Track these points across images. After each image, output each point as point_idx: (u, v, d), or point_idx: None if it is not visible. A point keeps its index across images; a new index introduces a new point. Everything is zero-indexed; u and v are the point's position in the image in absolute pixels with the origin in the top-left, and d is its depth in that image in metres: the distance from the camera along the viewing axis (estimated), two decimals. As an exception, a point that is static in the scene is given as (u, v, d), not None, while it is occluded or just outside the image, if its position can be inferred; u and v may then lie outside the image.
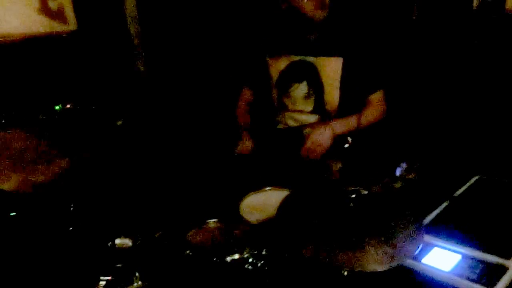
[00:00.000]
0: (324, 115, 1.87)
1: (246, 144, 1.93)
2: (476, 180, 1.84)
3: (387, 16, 2.22)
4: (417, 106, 2.20)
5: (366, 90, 1.85)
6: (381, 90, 1.86)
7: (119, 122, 1.34)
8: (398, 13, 2.21)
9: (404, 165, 1.17)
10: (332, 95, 1.83)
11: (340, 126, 1.78)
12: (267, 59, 1.93)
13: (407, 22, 2.19)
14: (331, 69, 1.81)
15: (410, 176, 1.18)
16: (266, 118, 2.04)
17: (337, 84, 1.81)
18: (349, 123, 1.80)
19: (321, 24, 1.76)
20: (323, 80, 1.82)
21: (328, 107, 1.85)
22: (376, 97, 1.86)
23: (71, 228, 1.41)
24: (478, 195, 1.75)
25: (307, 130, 1.85)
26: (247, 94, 2.10)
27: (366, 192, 1.20)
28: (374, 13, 2.20)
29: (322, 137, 1.73)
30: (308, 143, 1.73)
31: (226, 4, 2.51)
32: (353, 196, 1.22)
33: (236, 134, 1.98)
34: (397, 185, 1.17)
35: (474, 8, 1.99)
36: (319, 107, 1.86)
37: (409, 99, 2.18)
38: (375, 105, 1.86)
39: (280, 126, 1.98)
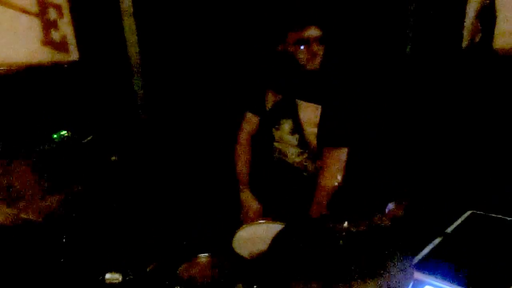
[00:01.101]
0: (308, 150, 1.93)
1: (253, 208, 1.95)
2: (469, 215, 1.86)
3: (376, 72, 2.29)
4: (410, 142, 2.23)
5: (332, 141, 1.87)
6: (344, 148, 1.87)
7: (114, 158, 1.36)
8: (388, 63, 2.29)
9: (392, 203, 1.19)
10: (311, 136, 1.90)
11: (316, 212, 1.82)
12: (267, 90, 2.00)
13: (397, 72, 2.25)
14: (310, 113, 1.88)
15: (398, 214, 1.19)
16: (263, 146, 2.08)
17: (314, 129, 1.88)
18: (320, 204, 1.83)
19: (311, 73, 1.83)
20: (302, 122, 1.89)
21: (310, 145, 1.91)
22: (336, 156, 1.86)
23: (62, 260, 1.41)
24: (470, 231, 1.76)
25: None
26: (250, 121, 2.12)
27: (355, 230, 1.21)
28: (361, 70, 2.26)
29: None
30: None
31: (228, 35, 2.58)
32: (343, 233, 1.23)
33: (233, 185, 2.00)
34: (385, 222, 1.19)
35: (463, 48, 2.06)
36: (303, 143, 1.93)
37: (401, 136, 2.22)
38: (332, 168, 1.86)
39: (276, 155, 2.03)
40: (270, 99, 1.98)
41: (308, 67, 1.81)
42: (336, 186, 1.84)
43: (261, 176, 2.04)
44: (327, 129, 1.85)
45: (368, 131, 2.07)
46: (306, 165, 1.97)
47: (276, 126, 1.98)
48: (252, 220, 1.75)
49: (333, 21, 1.91)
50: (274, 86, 1.94)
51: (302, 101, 1.89)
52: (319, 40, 1.79)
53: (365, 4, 2.25)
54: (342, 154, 1.86)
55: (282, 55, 1.82)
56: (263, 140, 2.06)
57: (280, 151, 2.01)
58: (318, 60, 1.82)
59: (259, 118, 2.07)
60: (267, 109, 1.99)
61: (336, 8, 2.20)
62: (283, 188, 1.95)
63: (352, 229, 1.23)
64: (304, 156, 1.96)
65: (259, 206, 1.95)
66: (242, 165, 2.07)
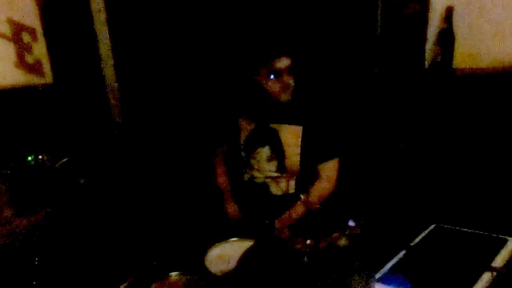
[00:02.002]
0: (286, 173, 1.97)
1: (233, 209, 2.04)
2: (433, 228, 1.93)
3: (346, 89, 2.40)
4: (374, 159, 2.32)
5: (319, 158, 1.96)
6: (334, 159, 1.97)
7: (82, 180, 1.39)
8: (357, 86, 2.39)
9: (351, 222, 1.25)
10: (293, 159, 1.94)
11: (290, 219, 1.89)
12: (240, 119, 2.04)
13: (367, 92, 2.35)
14: (291, 136, 1.93)
15: (355, 232, 1.26)
16: (234, 170, 2.12)
17: (297, 150, 1.92)
18: (297, 211, 1.91)
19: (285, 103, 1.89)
20: (284, 146, 1.93)
21: (289, 169, 1.95)
22: (327, 169, 1.96)
23: (34, 282, 1.42)
24: (434, 243, 1.83)
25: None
26: (222, 149, 2.19)
27: (319, 247, 1.27)
28: (334, 88, 2.37)
29: None
30: None
31: (203, 62, 2.63)
32: (308, 250, 1.29)
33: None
34: (342, 241, 1.25)
35: (426, 68, 2.17)
36: (281, 169, 1.96)
37: (365, 152, 2.31)
38: (324, 179, 1.97)
39: (246, 176, 2.06)
40: (244, 128, 2.01)
41: (281, 98, 1.86)
42: (328, 193, 1.94)
43: (234, 193, 2.08)
44: (313, 147, 1.91)
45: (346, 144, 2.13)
46: (278, 184, 2.01)
47: (252, 156, 2.00)
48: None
49: (303, 49, 1.98)
50: (249, 114, 1.99)
51: (281, 125, 1.93)
52: (289, 70, 1.83)
53: (334, 28, 2.35)
54: (334, 164, 1.96)
55: (257, 85, 1.87)
56: (235, 166, 2.10)
57: (253, 172, 2.04)
58: (290, 90, 1.86)
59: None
60: (242, 138, 2.02)
61: (305, 36, 2.29)
62: (254, 207, 2.00)
63: (316, 247, 1.29)
64: (284, 180, 2.00)
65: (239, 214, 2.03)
66: (223, 179, 2.15)
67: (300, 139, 1.92)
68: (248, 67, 1.88)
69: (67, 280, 1.36)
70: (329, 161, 1.96)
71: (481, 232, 1.86)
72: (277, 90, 1.84)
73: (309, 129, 1.92)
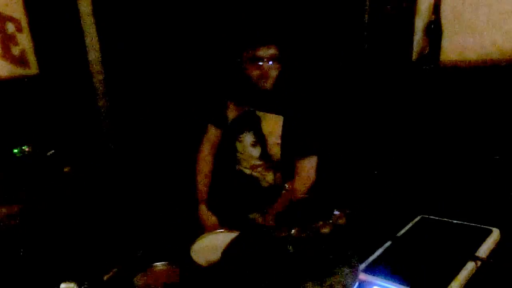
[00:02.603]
0: (270, 162, 1.96)
1: (210, 221, 1.99)
2: (419, 219, 1.95)
3: (331, 81, 2.39)
4: (360, 150, 2.33)
5: (298, 153, 1.95)
6: (313, 156, 1.96)
7: (67, 169, 1.38)
8: (344, 78, 2.38)
9: (336, 211, 1.26)
10: (274, 148, 1.94)
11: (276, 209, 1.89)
12: (228, 102, 2.03)
13: (353, 84, 2.35)
14: (272, 125, 1.93)
15: (340, 222, 1.26)
16: (225, 157, 2.12)
17: (277, 140, 1.92)
18: (283, 201, 1.91)
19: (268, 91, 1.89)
20: (266, 134, 1.93)
21: (272, 157, 1.95)
22: (305, 166, 1.95)
23: (19, 272, 1.41)
24: (419, 234, 1.84)
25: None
26: (212, 133, 2.15)
27: (303, 236, 1.27)
28: (318, 80, 2.35)
29: None
30: None
31: (192, 48, 2.62)
32: (292, 239, 1.29)
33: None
34: (326, 230, 1.25)
35: (414, 60, 2.18)
36: (265, 155, 1.96)
37: (351, 143, 2.31)
38: (301, 178, 1.95)
39: (239, 167, 2.07)
40: (232, 111, 2.01)
41: (260, 86, 1.86)
42: (304, 194, 1.91)
43: (222, 186, 2.08)
44: (292, 139, 1.91)
45: (329, 139, 2.13)
46: (265, 176, 2.01)
47: (239, 139, 2.01)
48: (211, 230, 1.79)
49: (289, 39, 1.97)
50: (235, 98, 1.99)
51: (264, 113, 1.94)
52: (273, 59, 1.83)
53: (321, 19, 2.34)
54: (312, 162, 1.94)
55: (241, 70, 1.87)
56: (225, 151, 2.10)
57: (241, 163, 2.05)
58: (270, 80, 1.85)
59: (221, 130, 2.11)
60: (229, 121, 2.03)
61: (290, 26, 2.28)
62: (242, 199, 2.00)
63: (300, 236, 1.30)
64: (265, 168, 2.00)
65: (214, 218, 1.98)
66: (201, 179, 2.08)
67: (280, 129, 1.92)
68: (232, 51, 1.88)
69: (49, 269, 1.35)
70: (307, 158, 1.94)
71: (466, 223, 1.88)
72: (255, 77, 1.84)
73: (289, 120, 1.92)
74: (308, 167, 1.94)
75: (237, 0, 2.41)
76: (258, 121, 1.94)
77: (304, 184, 1.93)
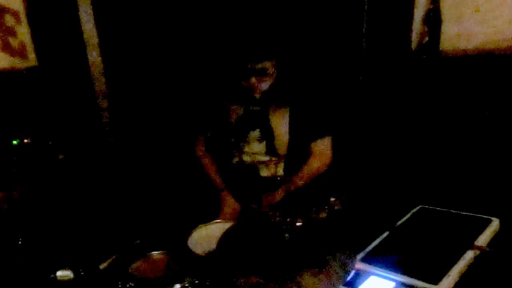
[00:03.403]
0: (275, 157, 1.97)
1: (233, 207, 1.97)
2: (418, 210, 1.94)
3: (333, 70, 2.38)
4: (361, 139, 2.32)
5: (310, 136, 1.96)
6: (326, 137, 1.97)
7: (61, 156, 1.39)
8: (344, 66, 2.37)
9: (332, 198, 1.26)
10: (282, 140, 1.94)
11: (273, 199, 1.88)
12: (229, 106, 2.03)
13: (354, 71, 2.34)
14: (279, 117, 1.94)
15: (336, 208, 1.26)
16: (223, 155, 2.11)
17: (285, 130, 1.93)
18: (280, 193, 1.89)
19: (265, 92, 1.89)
20: (273, 127, 1.94)
21: (279, 151, 1.96)
22: (320, 146, 1.97)
23: (18, 262, 1.42)
24: (418, 224, 1.84)
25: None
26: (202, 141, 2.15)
27: (300, 224, 1.27)
28: (320, 69, 2.35)
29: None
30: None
31: (190, 48, 2.61)
32: (288, 227, 1.29)
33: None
34: (321, 215, 1.25)
35: (413, 50, 2.16)
36: (271, 150, 1.96)
37: (352, 133, 2.31)
38: (318, 155, 1.97)
39: (235, 160, 2.06)
40: (233, 113, 2.01)
41: (250, 95, 1.88)
42: (320, 170, 1.94)
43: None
44: (301, 126, 1.92)
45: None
46: (267, 166, 2.01)
47: (245, 139, 1.99)
48: (232, 218, 1.79)
49: (288, 35, 1.96)
50: (238, 98, 1.98)
51: (269, 108, 1.94)
52: (263, 73, 1.83)
53: (321, 8, 2.33)
54: (326, 141, 1.97)
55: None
56: (224, 146, 2.09)
57: (242, 156, 2.03)
58: (258, 92, 1.87)
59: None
60: (233, 121, 2.01)
61: (291, 18, 2.27)
62: (241, 189, 1.99)
63: (296, 223, 1.29)
64: (269, 162, 2.00)
65: (237, 204, 1.97)
66: (213, 170, 2.08)
67: (287, 120, 1.93)
68: (230, 59, 1.90)
69: (46, 257, 1.36)
70: (322, 138, 1.97)
71: (466, 213, 1.88)
72: (245, 87, 1.87)
73: (296, 109, 1.93)
74: (323, 146, 1.97)
75: (232, 11, 2.42)
76: (264, 115, 1.95)
77: (321, 161, 1.96)
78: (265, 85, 1.86)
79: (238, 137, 2.00)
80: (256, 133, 1.96)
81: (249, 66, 1.82)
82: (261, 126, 1.96)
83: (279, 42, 1.93)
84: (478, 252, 1.56)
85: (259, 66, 1.82)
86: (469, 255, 1.54)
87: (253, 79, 1.83)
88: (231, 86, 1.97)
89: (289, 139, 1.94)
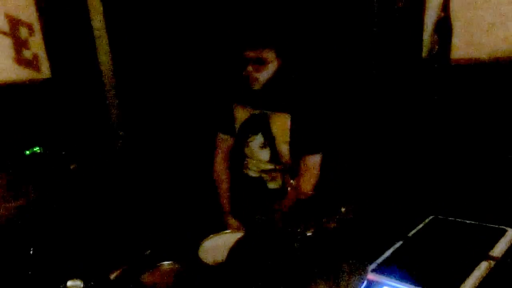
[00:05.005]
0: (280, 165, 1.95)
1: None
2: (431, 220, 1.91)
3: (341, 79, 2.35)
4: (372, 148, 2.30)
5: (305, 148, 1.93)
6: (318, 154, 1.94)
7: (73, 166, 1.40)
8: (353, 76, 2.34)
9: (343, 207, 1.24)
10: (284, 148, 1.92)
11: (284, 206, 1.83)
12: (234, 106, 2.02)
13: (362, 82, 2.32)
14: (280, 123, 1.91)
15: (347, 217, 1.24)
16: (235, 162, 2.10)
17: (286, 138, 1.91)
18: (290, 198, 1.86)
19: (266, 85, 1.87)
20: (274, 133, 1.92)
21: (282, 159, 1.94)
22: (311, 161, 1.94)
23: (30, 272, 1.43)
24: (431, 234, 1.81)
25: None
26: (223, 141, 2.12)
27: (310, 234, 1.26)
28: (327, 77, 2.33)
29: None
30: None
31: (199, 51, 2.64)
32: (298, 236, 1.28)
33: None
34: (333, 225, 1.24)
35: (423, 58, 2.15)
36: (275, 158, 1.95)
37: (363, 142, 2.29)
38: (308, 173, 1.93)
39: (246, 171, 2.06)
40: (240, 115, 2.00)
41: (249, 86, 1.86)
42: (311, 191, 1.90)
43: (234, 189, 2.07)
44: (299, 137, 1.90)
45: (337, 136, 2.11)
46: (274, 179, 2.00)
47: (247, 143, 1.99)
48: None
49: (287, 39, 1.95)
50: (241, 99, 1.98)
51: (272, 112, 1.93)
52: (258, 62, 1.81)
53: (328, 17, 2.32)
54: (316, 159, 1.93)
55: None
56: (233, 155, 2.08)
57: (248, 167, 2.03)
58: (257, 82, 1.84)
59: (230, 136, 2.08)
60: (238, 125, 2.01)
61: (293, 25, 2.26)
62: (249, 202, 1.98)
63: (307, 232, 1.28)
64: (274, 172, 1.98)
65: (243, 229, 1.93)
66: (224, 192, 2.06)
67: (288, 127, 1.91)
68: (233, 52, 1.88)
69: (56, 266, 1.36)
70: (312, 155, 1.94)
71: (480, 223, 1.84)
72: (243, 78, 1.85)
73: (297, 117, 1.90)
74: (312, 164, 1.93)
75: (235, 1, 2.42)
76: (266, 121, 1.93)
77: (310, 181, 1.92)
78: (263, 76, 1.82)
79: (241, 142, 2.00)
80: (259, 138, 1.95)
81: (246, 55, 1.80)
82: (263, 130, 1.94)
83: (279, 32, 1.90)
84: (493, 263, 1.53)
85: (256, 54, 1.79)
86: (484, 266, 1.51)
87: (250, 67, 1.80)
88: (235, 81, 1.95)
89: (291, 147, 1.92)
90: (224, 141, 2.10)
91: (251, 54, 1.80)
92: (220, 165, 2.10)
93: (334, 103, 2.05)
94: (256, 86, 1.85)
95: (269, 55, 1.81)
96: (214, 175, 2.09)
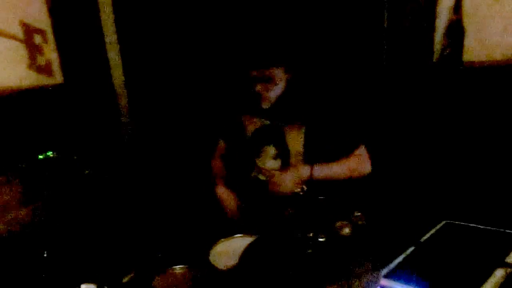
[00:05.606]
0: None
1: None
2: (443, 225, 1.89)
3: (353, 85, 2.34)
4: (385, 153, 2.28)
5: (326, 159, 1.87)
6: (360, 146, 1.90)
7: (87, 171, 1.42)
8: (364, 81, 2.34)
9: (356, 212, 1.23)
10: (297, 159, 1.89)
11: (318, 171, 1.79)
12: (243, 117, 2.02)
13: (374, 87, 2.31)
14: (294, 135, 1.88)
15: (360, 222, 1.23)
16: (239, 168, 2.10)
17: (300, 149, 1.88)
18: (330, 168, 1.84)
19: (276, 101, 1.85)
20: (288, 146, 1.89)
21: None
22: (355, 154, 1.89)
23: (43, 275, 1.44)
24: (444, 240, 1.79)
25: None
26: (224, 149, 2.13)
27: (323, 239, 1.25)
28: (339, 84, 2.32)
29: (282, 179, 1.81)
30: (270, 185, 1.82)
31: (209, 61, 2.65)
32: (311, 242, 1.27)
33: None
34: (346, 231, 1.23)
35: (434, 61, 2.13)
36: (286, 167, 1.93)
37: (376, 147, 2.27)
38: (357, 155, 1.88)
39: (252, 174, 2.05)
40: (250, 126, 2.00)
41: (258, 104, 1.84)
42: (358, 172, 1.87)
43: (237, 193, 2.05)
44: (317, 147, 1.85)
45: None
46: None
47: (259, 154, 1.97)
48: None
49: (303, 48, 1.95)
50: (253, 112, 1.97)
51: (285, 124, 1.90)
52: (268, 81, 1.78)
53: (339, 21, 2.32)
54: (361, 150, 1.89)
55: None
56: (240, 162, 2.07)
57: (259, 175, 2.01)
58: (266, 101, 1.82)
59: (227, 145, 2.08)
60: (248, 135, 2.00)
61: (308, 32, 2.26)
62: (257, 206, 1.97)
63: (319, 237, 1.28)
64: None
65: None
66: (230, 201, 2.00)
67: (302, 139, 1.89)
68: (241, 68, 1.86)
69: (70, 270, 1.38)
70: (355, 150, 1.89)
71: (495, 229, 1.81)
72: (252, 96, 1.82)
73: (312, 129, 1.87)
74: (359, 153, 1.89)
75: (245, 18, 2.43)
76: (281, 133, 1.90)
77: (360, 164, 1.88)
78: (273, 94, 1.80)
79: (252, 152, 1.98)
80: (271, 149, 1.93)
81: (254, 73, 1.77)
82: (275, 142, 1.93)
83: (287, 49, 1.87)
84: (509, 270, 1.50)
85: (264, 72, 1.75)
86: (500, 273, 1.48)
87: (258, 86, 1.78)
88: (244, 95, 1.94)
89: (304, 158, 1.89)
90: (224, 150, 2.12)
91: (259, 73, 1.77)
92: (221, 174, 2.09)
93: (348, 110, 2.03)
94: (266, 105, 1.83)
95: (278, 72, 1.78)
96: (219, 191, 2.01)
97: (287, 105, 1.85)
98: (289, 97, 1.84)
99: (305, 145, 1.87)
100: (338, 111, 1.95)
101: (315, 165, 1.77)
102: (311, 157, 1.87)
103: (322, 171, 1.81)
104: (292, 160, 1.89)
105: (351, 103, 2.25)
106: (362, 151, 1.91)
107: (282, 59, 1.79)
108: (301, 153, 1.88)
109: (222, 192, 2.00)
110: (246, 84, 1.82)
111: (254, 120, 1.97)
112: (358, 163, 1.89)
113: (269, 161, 1.95)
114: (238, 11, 2.45)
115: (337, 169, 1.84)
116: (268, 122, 1.93)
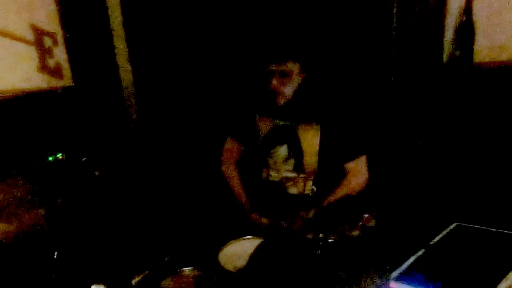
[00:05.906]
0: (304, 173, 1.95)
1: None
2: (454, 227, 1.87)
3: (363, 87, 2.34)
4: (395, 154, 2.27)
5: (345, 157, 1.94)
6: (361, 156, 1.95)
7: (97, 173, 1.43)
8: (374, 82, 2.33)
9: (365, 214, 1.23)
10: (311, 159, 1.91)
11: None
12: (257, 118, 2.03)
13: (384, 89, 2.30)
14: (309, 135, 1.90)
15: (369, 224, 1.23)
16: (251, 169, 2.10)
17: (315, 149, 1.90)
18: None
19: (291, 98, 1.87)
20: (302, 145, 1.91)
21: (307, 169, 1.93)
22: (355, 165, 1.95)
23: (53, 276, 1.45)
24: (454, 242, 1.77)
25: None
26: (233, 146, 2.14)
27: (332, 240, 1.25)
28: (350, 82, 2.32)
29: None
30: None
31: (220, 60, 2.65)
32: (320, 243, 1.27)
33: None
34: (355, 233, 1.22)
35: (444, 62, 2.11)
36: (298, 167, 1.94)
37: (385, 149, 2.26)
38: (353, 175, 1.94)
39: (264, 175, 2.05)
40: (264, 126, 2.00)
41: (274, 100, 1.86)
42: (358, 188, 1.91)
43: (248, 193, 2.06)
44: (333, 147, 1.89)
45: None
46: (295, 184, 1.98)
47: (270, 154, 1.98)
48: None
49: (315, 47, 1.95)
50: (267, 111, 1.97)
51: (299, 124, 1.92)
52: (284, 75, 1.81)
53: (348, 23, 2.31)
54: (362, 161, 1.95)
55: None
56: (252, 162, 2.08)
57: (269, 172, 2.02)
58: (279, 95, 1.84)
59: (242, 147, 2.10)
60: (261, 135, 2.00)
61: (317, 33, 2.26)
62: (269, 206, 1.98)
63: (328, 240, 1.27)
64: (297, 179, 1.97)
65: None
66: (241, 192, 2.07)
67: (318, 138, 1.90)
68: (256, 64, 1.88)
69: (80, 271, 1.38)
70: (355, 160, 1.94)
71: (507, 231, 1.79)
72: (267, 92, 1.84)
73: (328, 128, 1.90)
74: (359, 166, 1.94)
75: (258, 13, 2.43)
76: (294, 133, 1.92)
77: (357, 180, 1.93)
78: (288, 90, 1.82)
79: (264, 152, 1.99)
80: (283, 150, 1.94)
81: (270, 68, 1.80)
82: (289, 142, 1.93)
83: (303, 45, 1.90)
84: (522, 273, 1.48)
85: (280, 66, 1.79)
86: (512, 276, 1.47)
87: (274, 81, 1.80)
88: (258, 94, 1.96)
89: (320, 157, 1.90)
90: (234, 147, 2.13)
91: (276, 67, 1.80)
92: (231, 169, 2.12)
93: (359, 113, 2.03)
94: (282, 101, 1.86)
95: (294, 67, 1.81)
96: (229, 179, 2.10)
97: (302, 104, 1.87)
98: (304, 96, 1.86)
99: (321, 144, 1.88)
100: (352, 110, 1.98)
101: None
102: (326, 156, 1.89)
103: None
104: (306, 159, 1.90)
105: (363, 103, 2.25)
106: (362, 162, 1.95)
107: (299, 54, 1.83)
108: (317, 152, 1.89)
109: (229, 170, 2.08)
110: (261, 80, 1.84)
111: (268, 120, 1.98)
112: (357, 183, 1.93)
113: (280, 161, 1.95)
114: (258, 6, 2.44)
115: (340, 193, 1.89)
116: (281, 122, 1.94)
